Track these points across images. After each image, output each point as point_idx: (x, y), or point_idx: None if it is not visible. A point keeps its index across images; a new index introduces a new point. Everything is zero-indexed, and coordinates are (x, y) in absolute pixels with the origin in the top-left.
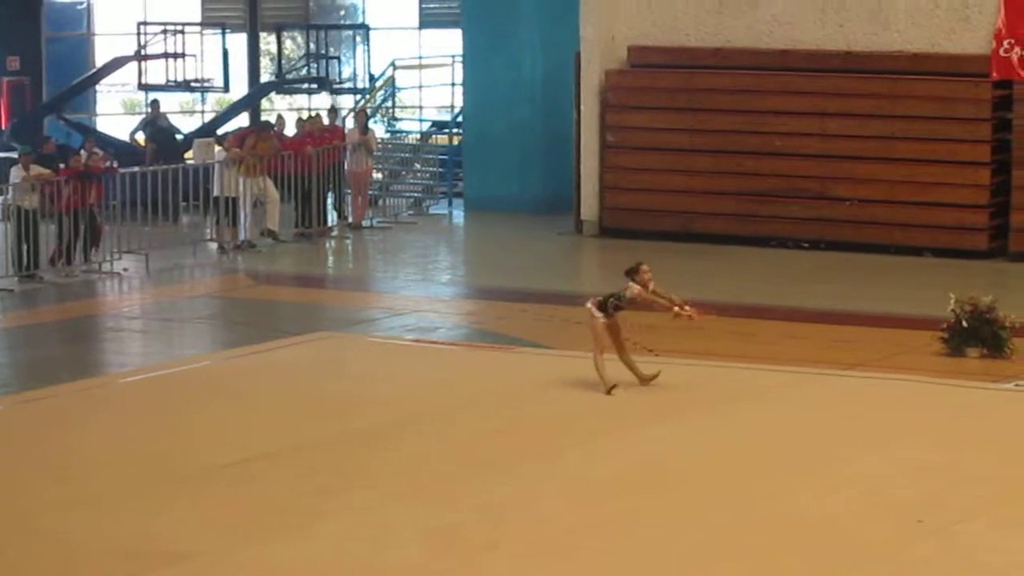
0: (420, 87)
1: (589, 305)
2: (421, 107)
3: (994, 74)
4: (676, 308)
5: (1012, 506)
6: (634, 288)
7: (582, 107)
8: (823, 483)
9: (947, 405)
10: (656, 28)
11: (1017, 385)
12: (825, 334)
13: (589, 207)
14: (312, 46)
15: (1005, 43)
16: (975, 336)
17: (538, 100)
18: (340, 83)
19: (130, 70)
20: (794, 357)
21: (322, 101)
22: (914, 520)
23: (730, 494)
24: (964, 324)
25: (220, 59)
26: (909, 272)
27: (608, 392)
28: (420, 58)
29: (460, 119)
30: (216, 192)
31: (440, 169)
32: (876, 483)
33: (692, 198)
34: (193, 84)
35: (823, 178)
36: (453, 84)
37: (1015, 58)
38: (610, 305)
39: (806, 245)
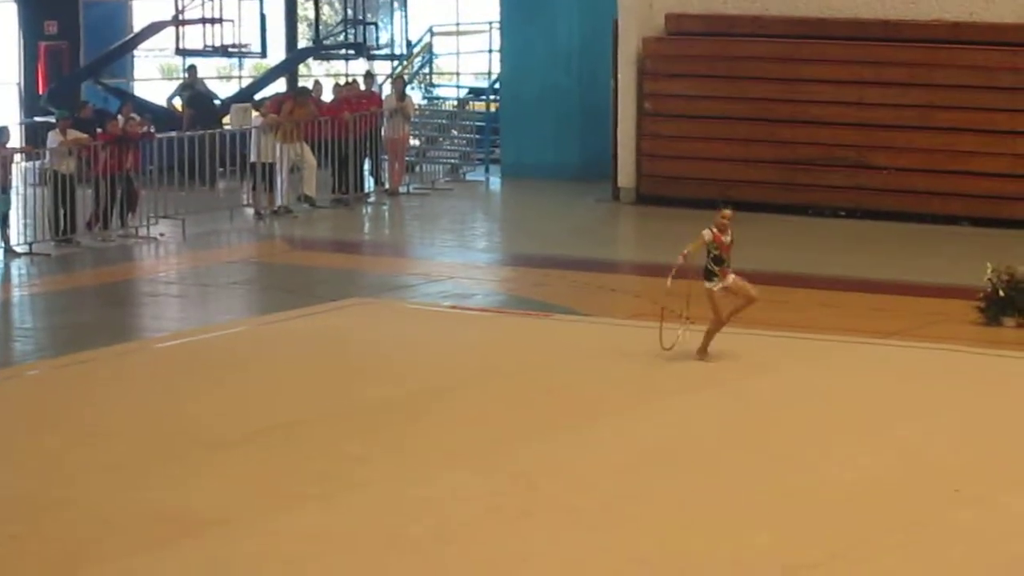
0: (457, 53)
1: (704, 286)
2: (458, 73)
3: None
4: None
5: None
6: (706, 234)
7: (619, 75)
8: (860, 451)
9: (983, 374)
10: None
11: None
12: (861, 303)
13: (626, 174)
14: (350, 12)
15: None
16: (1011, 305)
17: (575, 67)
18: (377, 49)
19: (168, 35)
20: (830, 326)
21: (359, 67)
22: (952, 489)
23: (765, 463)
24: (1000, 293)
25: (258, 24)
26: (946, 241)
27: (701, 357)
28: (457, 24)
29: (497, 86)
30: (253, 158)
31: (477, 136)
32: (913, 452)
33: (729, 166)
34: (230, 49)
35: (860, 147)
36: (490, 51)
37: None
38: (710, 265)
39: (843, 214)
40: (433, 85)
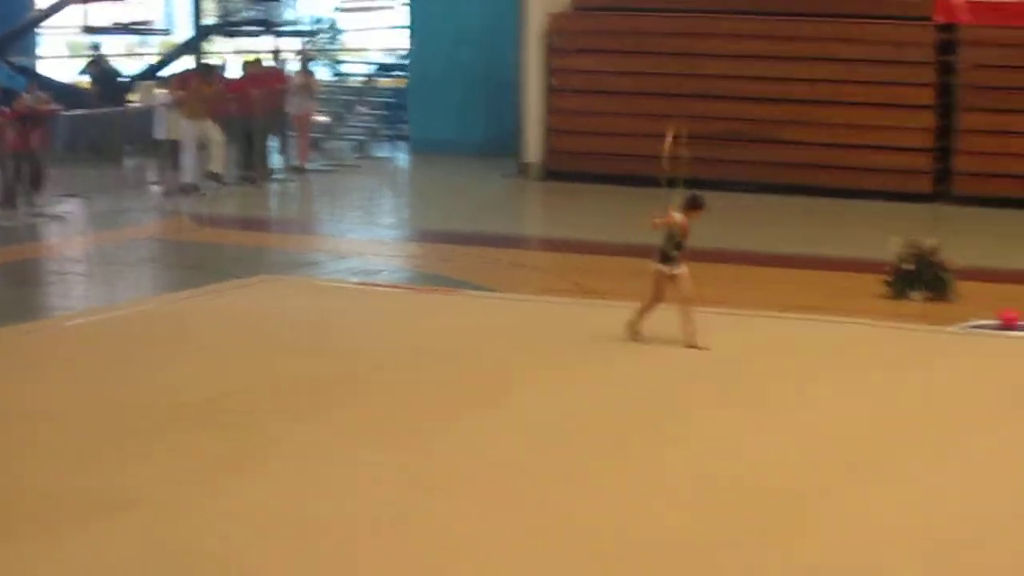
0: (364, 29)
1: (654, 266)
2: (365, 50)
3: (938, 17)
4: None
5: (947, 447)
6: (678, 216)
7: (526, 50)
8: (763, 427)
9: (890, 348)
10: None
11: (961, 328)
12: (768, 276)
13: (533, 150)
14: None
15: None
16: (918, 279)
17: (481, 43)
18: (283, 25)
19: (74, 12)
20: (736, 299)
21: (265, 44)
22: (857, 461)
23: (676, 439)
24: (907, 267)
25: (163, 2)
26: (853, 215)
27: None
28: (364, 0)
29: (404, 62)
30: (159, 135)
31: (384, 112)
32: (815, 426)
33: (636, 141)
34: (137, 27)
35: (768, 121)
36: (397, 27)
37: (958, 1)
38: (670, 250)
39: (751, 188)
40: (339, 61)
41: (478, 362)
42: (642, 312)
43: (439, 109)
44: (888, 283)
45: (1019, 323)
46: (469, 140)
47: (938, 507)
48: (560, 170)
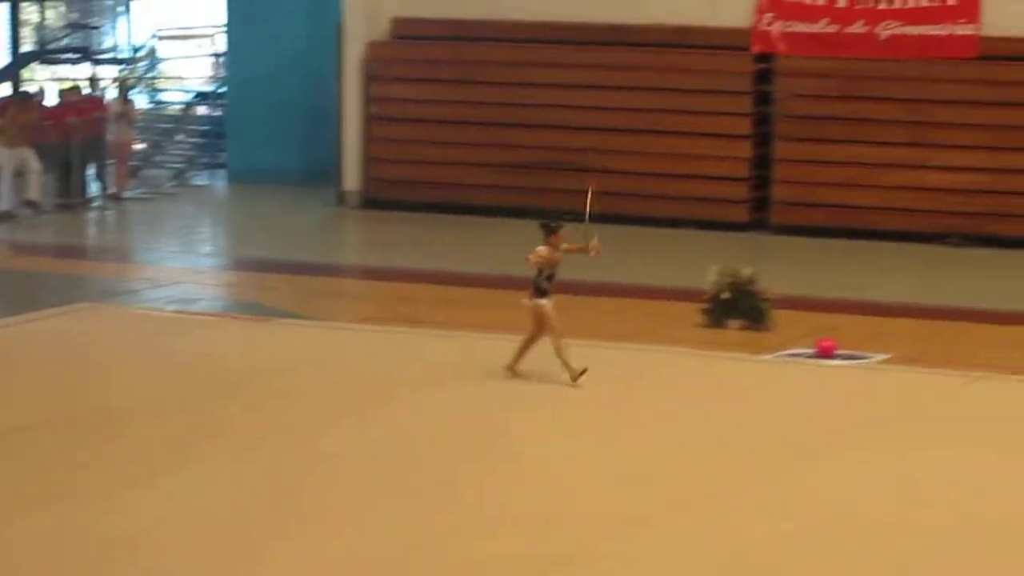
0: (183, 57)
1: (527, 301)
2: (184, 78)
3: (755, 47)
4: (589, 248)
5: (769, 473)
6: (542, 251)
7: (345, 79)
8: (580, 454)
9: (707, 376)
10: None
11: (778, 356)
12: (588, 304)
13: (352, 179)
14: (74, 15)
15: (766, 16)
16: (736, 308)
17: (302, 71)
18: (102, 53)
19: None
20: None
21: (84, 71)
22: (676, 490)
23: (493, 464)
24: (725, 296)
25: None
26: (671, 244)
27: (576, 379)
28: (183, 28)
29: (223, 90)
30: None
31: (203, 140)
32: (631, 453)
33: (455, 169)
34: None
35: (589, 150)
36: (216, 55)
37: (776, 31)
38: (543, 282)
39: (569, 217)
40: (158, 89)
41: (289, 390)
42: (521, 350)
43: (258, 137)
44: (705, 312)
45: (835, 352)
46: (288, 168)
47: (748, 533)
48: (379, 198)
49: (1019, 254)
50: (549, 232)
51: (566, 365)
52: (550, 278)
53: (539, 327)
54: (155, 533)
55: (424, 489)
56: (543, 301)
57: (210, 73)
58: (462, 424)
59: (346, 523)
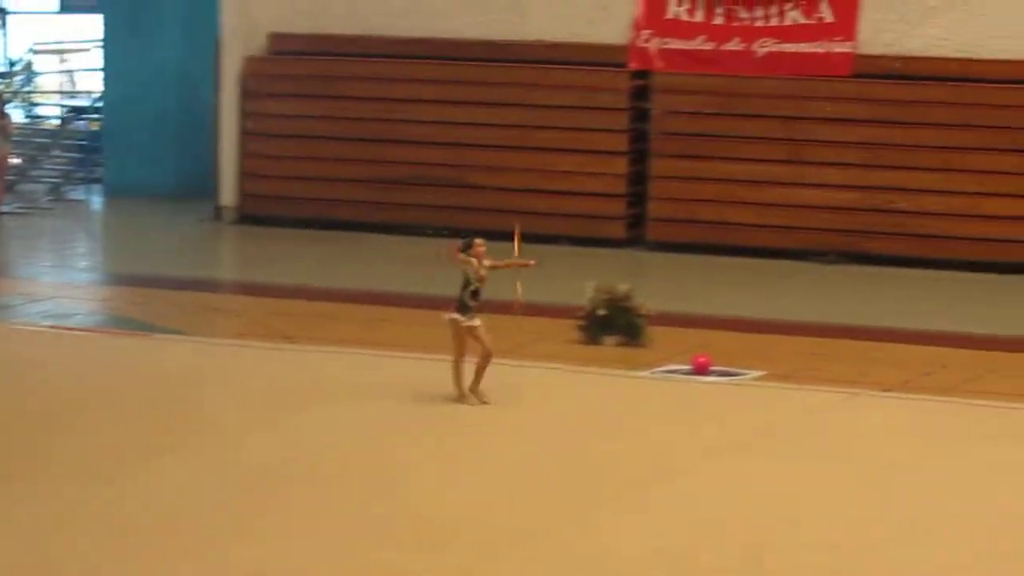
0: (59, 72)
1: (448, 316)
2: (61, 92)
3: (632, 64)
4: (517, 262)
5: (642, 490)
6: (473, 263)
7: (222, 94)
8: (452, 473)
9: (582, 392)
10: (297, 15)
11: (654, 372)
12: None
13: (228, 194)
14: None
15: (643, 33)
16: (612, 324)
17: (179, 86)
18: None
19: None
20: (428, 345)
21: None
22: (548, 509)
23: (355, 487)
24: (601, 312)
25: None
26: (547, 260)
27: (462, 400)
28: (60, 42)
29: (100, 105)
30: None
31: (79, 155)
32: (510, 471)
33: (330, 185)
34: None
35: (460, 166)
36: (93, 69)
37: (653, 48)
38: (467, 299)
39: (444, 232)
40: (34, 104)
41: (171, 405)
42: (456, 374)
43: (135, 152)
44: (582, 328)
45: (711, 369)
46: (165, 184)
47: (621, 551)
48: (255, 214)
49: (893, 271)
50: (468, 247)
51: (456, 384)
52: (475, 294)
53: (459, 345)
54: (23, 553)
55: (310, 506)
56: (459, 316)
57: (86, 87)
58: (336, 444)
59: (234, 541)
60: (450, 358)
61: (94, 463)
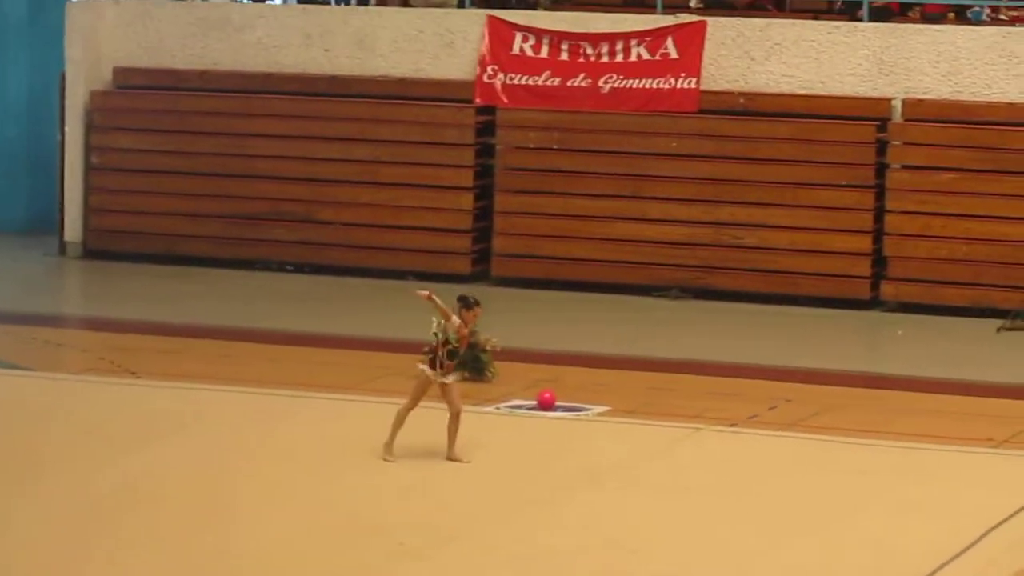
0: None
1: (420, 367)
2: None
3: (478, 100)
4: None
5: (486, 532)
6: (455, 322)
7: (67, 128)
8: (308, 507)
9: (429, 427)
10: (142, 49)
11: (498, 408)
12: (307, 356)
13: (73, 229)
14: None
15: (489, 69)
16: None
17: (23, 120)
18: None
19: None
20: (276, 380)
21: None
22: (396, 543)
23: (199, 519)
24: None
25: None
26: (393, 295)
27: (385, 459)
28: None
29: None
30: None
31: None
32: (358, 506)
33: (177, 220)
34: None
35: (308, 201)
36: None
37: (498, 84)
38: (443, 356)
39: (291, 268)
40: None
41: (12, 443)
42: (397, 422)
43: None
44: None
45: (556, 404)
46: (11, 218)
47: None
48: (101, 249)
49: (737, 307)
50: (467, 307)
51: (392, 435)
52: (452, 354)
53: (417, 397)
54: None
55: (145, 539)
56: (429, 370)
57: None
58: (196, 472)
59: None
60: (397, 403)
61: None
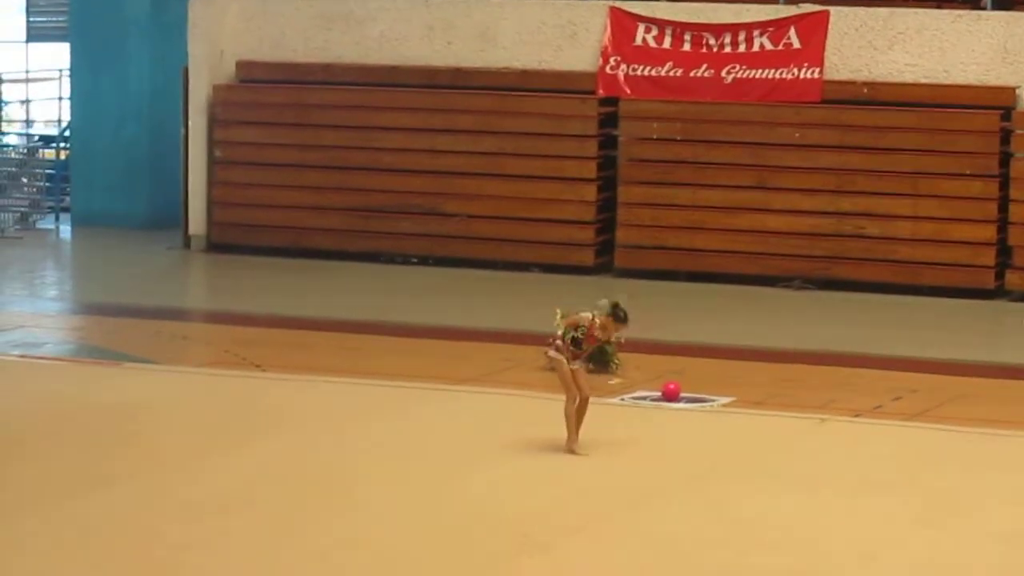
0: (27, 101)
1: (552, 353)
2: (28, 121)
3: (600, 91)
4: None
5: (610, 523)
6: (585, 316)
7: (190, 122)
8: (432, 499)
9: (551, 419)
10: (264, 44)
11: (623, 399)
12: (435, 350)
13: (197, 222)
14: None
15: (611, 60)
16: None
17: (146, 115)
18: None
19: None
20: (403, 373)
21: None
22: (521, 535)
23: (335, 512)
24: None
25: None
26: (517, 288)
27: (569, 451)
28: (27, 71)
29: (67, 134)
30: None
31: (47, 184)
32: (481, 498)
33: (301, 214)
34: None
35: (432, 194)
36: (61, 98)
37: (621, 75)
38: (572, 345)
39: (415, 261)
40: (2, 132)
41: (135, 435)
42: (575, 420)
43: (102, 181)
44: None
45: (680, 395)
46: (134, 212)
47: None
48: (224, 242)
49: (860, 297)
50: (619, 320)
51: (572, 431)
52: (576, 343)
53: (570, 386)
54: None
55: (267, 532)
56: (558, 355)
57: (54, 117)
58: (307, 469)
59: (204, 568)
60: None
61: (36, 493)
